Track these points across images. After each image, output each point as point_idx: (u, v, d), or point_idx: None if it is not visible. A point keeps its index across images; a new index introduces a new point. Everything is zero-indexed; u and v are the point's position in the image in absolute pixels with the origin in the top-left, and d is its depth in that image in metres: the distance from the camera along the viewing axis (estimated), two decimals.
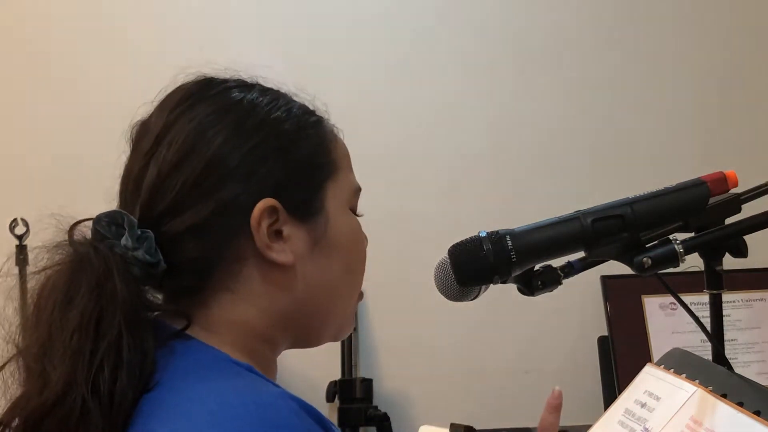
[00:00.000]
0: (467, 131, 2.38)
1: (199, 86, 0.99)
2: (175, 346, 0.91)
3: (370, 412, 2.20)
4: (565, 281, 1.10)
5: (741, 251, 1.09)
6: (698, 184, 1.09)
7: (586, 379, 2.26)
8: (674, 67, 2.40)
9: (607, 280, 2.20)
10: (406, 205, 2.36)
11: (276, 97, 1.00)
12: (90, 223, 0.93)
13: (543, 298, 1.13)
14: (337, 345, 2.26)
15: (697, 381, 0.99)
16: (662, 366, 1.08)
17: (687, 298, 1.14)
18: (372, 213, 1.12)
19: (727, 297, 1.12)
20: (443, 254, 1.10)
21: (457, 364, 2.35)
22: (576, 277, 1.11)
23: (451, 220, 2.28)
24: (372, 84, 2.38)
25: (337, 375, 2.27)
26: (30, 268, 0.91)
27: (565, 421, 1.20)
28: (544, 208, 1.24)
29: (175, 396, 0.86)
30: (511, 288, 1.12)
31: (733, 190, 1.10)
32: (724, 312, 1.13)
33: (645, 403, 1.04)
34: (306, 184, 0.97)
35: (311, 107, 1.03)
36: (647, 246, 1.07)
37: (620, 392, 1.13)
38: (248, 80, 1.02)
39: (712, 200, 1.09)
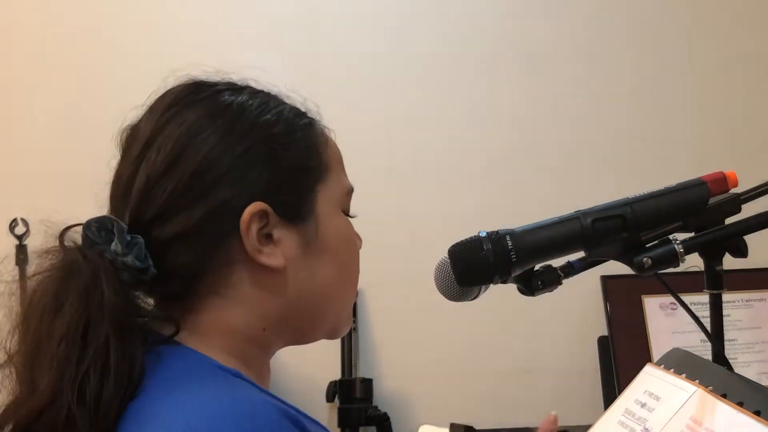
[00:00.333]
0: (467, 131, 2.39)
1: (188, 90, 0.99)
2: (163, 352, 0.90)
3: (370, 412, 2.20)
4: (565, 281, 1.10)
5: (741, 251, 1.08)
6: (698, 184, 1.09)
7: (586, 379, 2.26)
8: (674, 67, 2.40)
9: (607, 280, 2.20)
10: (406, 205, 2.36)
11: (266, 99, 1.00)
12: (81, 228, 0.92)
13: (543, 298, 1.13)
14: (337, 345, 2.26)
15: (697, 381, 0.98)
16: (662, 366, 1.08)
17: (687, 298, 1.14)
18: (372, 213, 1.12)
19: (727, 297, 1.12)
20: (443, 254, 1.10)
21: (457, 363, 2.35)
22: (576, 277, 1.11)
23: (451, 220, 2.28)
24: (372, 84, 2.38)
25: (337, 375, 2.27)
26: (30, 269, 0.91)
27: (565, 421, 1.20)
28: (544, 208, 1.24)
29: (155, 404, 0.86)
30: (511, 288, 1.12)
31: (733, 190, 1.10)
32: (724, 312, 1.13)
33: (645, 403, 1.04)
34: (296, 187, 0.97)
35: (303, 109, 1.02)
36: (647, 246, 1.07)
37: (620, 392, 1.13)
38: (238, 83, 1.01)
39: (712, 200, 1.09)
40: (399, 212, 2.34)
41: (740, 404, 0.90)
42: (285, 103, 1.01)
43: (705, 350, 1.29)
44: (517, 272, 1.08)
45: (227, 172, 0.93)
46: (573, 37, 2.40)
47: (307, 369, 2.25)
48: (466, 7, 2.39)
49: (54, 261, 0.91)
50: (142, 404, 0.86)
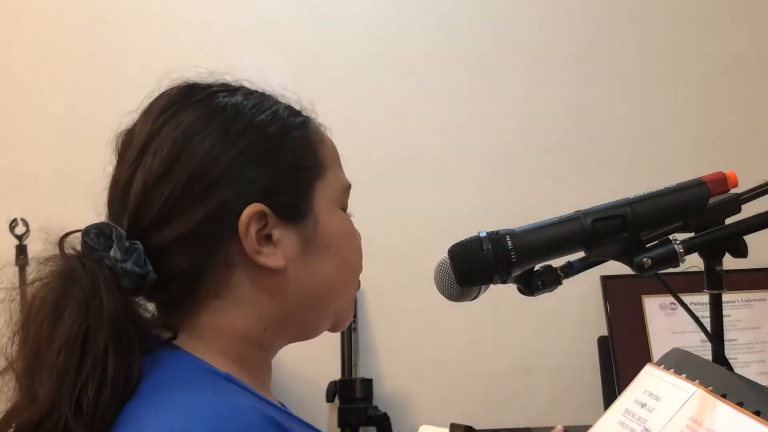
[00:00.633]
0: (467, 131, 2.38)
1: (182, 92, 0.98)
2: (159, 356, 0.91)
3: (370, 412, 2.20)
4: (565, 281, 1.10)
5: (741, 251, 1.09)
6: (698, 184, 1.09)
7: (586, 379, 2.26)
8: (674, 67, 2.40)
9: (607, 280, 2.20)
10: (406, 205, 2.36)
11: (261, 100, 0.99)
12: (80, 234, 0.92)
13: (543, 298, 1.13)
14: (337, 345, 2.26)
15: (697, 381, 0.98)
16: (662, 366, 1.08)
17: (687, 298, 1.14)
18: (372, 212, 1.12)
19: (727, 297, 1.12)
20: (443, 254, 1.10)
21: (457, 364, 2.35)
22: (576, 277, 1.11)
23: (451, 220, 2.28)
24: (372, 84, 2.38)
25: (337, 375, 2.27)
26: (30, 274, 0.91)
27: (565, 421, 1.20)
28: (544, 208, 1.24)
29: (144, 409, 0.86)
30: (511, 288, 1.12)
31: (733, 190, 1.10)
32: (724, 312, 1.13)
33: (645, 403, 1.04)
34: (294, 187, 0.97)
35: (297, 107, 1.02)
36: (647, 246, 1.07)
37: (620, 392, 1.13)
38: (232, 84, 1.01)
39: (712, 200, 1.09)
40: (399, 212, 2.34)
41: (740, 404, 0.90)
42: (279, 103, 1.01)
43: (705, 350, 1.29)
44: (517, 272, 1.08)
45: (224, 174, 0.93)
46: (573, 37, 2.40)
47: (307, 369, 2.25)
48: (465, 7, 2.39)
49: (54, 268, 0.90)
50: (134, 407, 0.86)
